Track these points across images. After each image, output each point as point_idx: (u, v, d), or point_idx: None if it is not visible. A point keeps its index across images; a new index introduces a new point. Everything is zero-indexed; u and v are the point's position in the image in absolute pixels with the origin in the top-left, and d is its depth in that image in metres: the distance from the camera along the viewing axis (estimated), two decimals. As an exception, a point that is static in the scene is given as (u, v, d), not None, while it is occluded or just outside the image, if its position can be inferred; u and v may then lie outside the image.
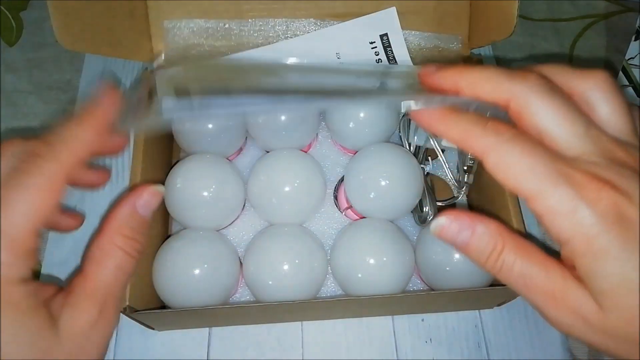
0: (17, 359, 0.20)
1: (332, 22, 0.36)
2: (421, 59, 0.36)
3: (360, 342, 0.34)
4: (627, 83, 0.41)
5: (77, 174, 0.22)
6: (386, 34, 0.34)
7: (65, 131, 0.22)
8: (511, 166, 0.20)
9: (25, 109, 0.44)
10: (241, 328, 0.35)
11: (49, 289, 0.22)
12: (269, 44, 0.36)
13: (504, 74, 0.21)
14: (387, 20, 0.34)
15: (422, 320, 0.35)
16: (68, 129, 0.22)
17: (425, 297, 0.32)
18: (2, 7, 0.48)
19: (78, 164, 0.22)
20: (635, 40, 0.39)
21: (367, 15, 0.34)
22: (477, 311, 0.35)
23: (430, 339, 0.34)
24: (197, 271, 0.30)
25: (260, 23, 0.36)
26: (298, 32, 0.36)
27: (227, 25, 0.36)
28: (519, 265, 0.21)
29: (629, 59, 0.40)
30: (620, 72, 0.41)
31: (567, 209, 0.19)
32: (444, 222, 0.22)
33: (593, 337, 0.20)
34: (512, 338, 0.35)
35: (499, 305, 0.35)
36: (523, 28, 0.48)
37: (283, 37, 0.36)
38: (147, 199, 0.24)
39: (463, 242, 0.22)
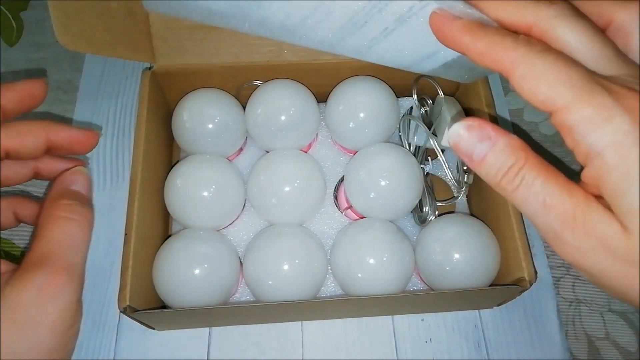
0: None
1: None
2: None
3: (360, 342, 0.34)
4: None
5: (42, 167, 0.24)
6: None
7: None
8: (544, 75, 0.19)
9: (26, 109, 0.44)
10: (241, 328, 0.35)
11: (3, 265, 0.22)
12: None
13: None
14: None
15: (422, 320, 0.35)
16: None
17: (425, 297, 0.32)
18: (2, 7, 0.48)
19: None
20: (635, 40, 0.39)
21: None
22: (476, 311, 0.35)
23: (430, 339, 0.34)
24: (197, 271, 0.30)
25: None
26: None
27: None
28: (539, 183, 0.19)
29: (628, 59, 0.40)
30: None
31: (604, 116, 0.18)
32: (462, 132, 0.20)
33: (612, 266, 0.19)
34: (511, 338, 0.35)
35: (498, 305, 0.35)
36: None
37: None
38: (72, 178, 0.24)
39: (480, 153, 0.20)
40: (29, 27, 0.48)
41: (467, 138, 0.20)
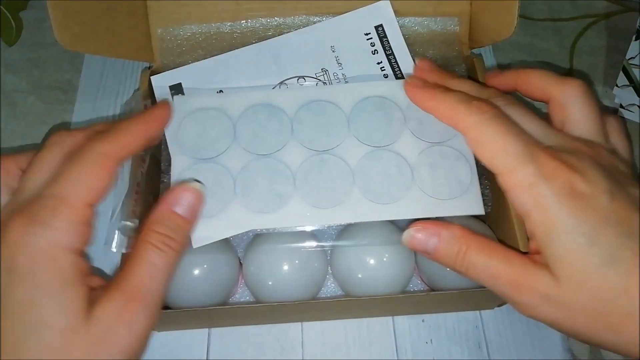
0: (44, 323, 0.19)
1: (326, 17, 0.36)
2: (420, 44, 0.36)
3: (361, 342, 0.34)
4: (628, 83, 0.41)
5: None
6: (381, 25, 0.34)
7: (121, 125, 0.24)
8: (487, 144, 0.23)
9: (25, 109, 0.44)
10: (241, 328, 0.35)
11: (96, 280, 0.22)
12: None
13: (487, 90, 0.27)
14: (381, 11, 0.34)
15: (423, 320, 0.35)
16: (124, 123, 0.25)
17: (425, 297, 0.32)
18: (1, 7, 0.48)
19: (129, 152, 0.24)
20: (635, 40, 0.39)
21: (359, 9, 0.34)
22: (477, 312, 0.35)
23: (431, 340, 0.34)
24: (196, 271, 0.30)
25: (253, 22, 0.36)
26: (293, 29, 0.36)
27: (220, 29, 0.36)
28: (483, 260, 0.23)
29: (629, 59, 0.40)
30: (621, 72, 0.41)
31: (528, 183, 0.21)
32: (413, 233, 0.25)
33: (555, 314, 0.21)
34: (512, 338, 0.35)
35: (499, 305, 0.35)
36: (523, 28, 0.48)
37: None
38: (178, 196, 0.24)
39: (433, 248, 0.24)
40: (28, 27, 0.48)
41: (419, 238, 0.25)
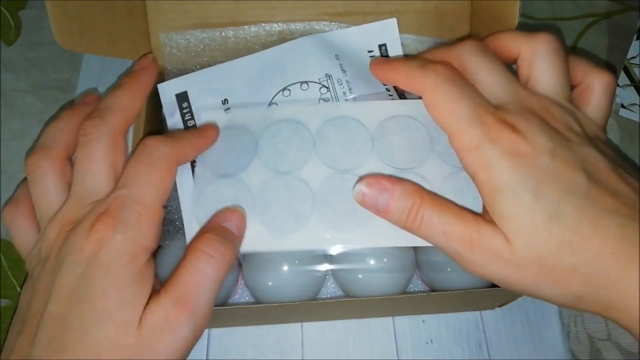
0: (108, 314, 0.20)
1: (330, 23, 0.36)
2: None
3: (361, 343, 0.34)
4: (629, 82, 0.41)
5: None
6: (384, 44, 0.33)
7: (182, 134, 0.27)
8: (439, 106, 0.23)
9: (23, 109, 0.44)
10: (241, 329, 0.35)
11: (156, 281, 0.23)
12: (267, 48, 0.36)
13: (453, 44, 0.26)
14: (387, 30, 0.34)
15: (423, 321, 0.35)
16: (186, 134, 0.27)
17: (426, 298, 0.32)
18: (0, 6, 0.48)
19: (186, 161, 0.26)
20: (637, 39, 0.39)
21: (366, 25, 0.34)
22: (478, 312, 0.35)
23: (432, 340, 0.34)
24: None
25: (256, 29, 0.36)
26: (296, 36, 0.36)
27: (223, 34, 0.36)
28: (436, 216, 0.23)
29: (630, 58, 0.40)
30: (622, 72, 0.41)
31: (474, 145, 0.22)
32: (364, 189, 0.24)
33: (506, 272, 0.21)
34: (513, 339, 0.34)
35: (500, 306, 0.35)
36: (524, 27, 0.47)
37: (280, 43, 0.36)
38: (227, 215, 0.25)
39: (384, 204, 0.23)
40: (27, 26, 0.48)
41: (369, 194, 0.24)
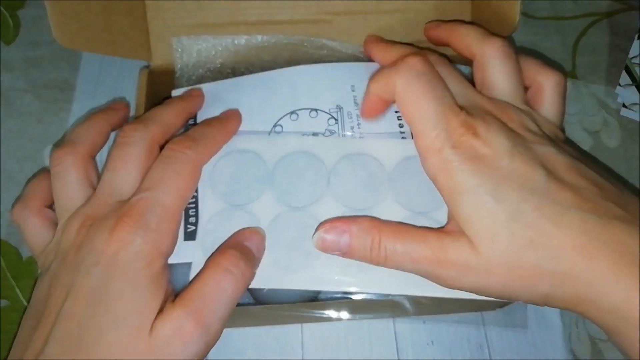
0: (123, 317, 0.20)
1: (343, 43, 0.36)
2: None
3: (361, 344, 0.34)
4: (630, 82, 0.41)
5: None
6: None
7: (205, 133, 0.26)
8: (408, 104, 0.23)
9: (22, 108, 0.43)
10: (241, 329, 0.34)
11: (170, 288, 0.23)
12: (276, 60, 0.36)
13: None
14: None
15: (424, 322, 0.35)
16: (208, 131, 0.27)
17: (427, 299, 0.31)
18: (-1, 5, 0.48)
19: (207, 162, 0.26)
20: (638, 38, 0.39)
21: None
22: (479, 313, 0.35)
23: (432, 341, 0.34)
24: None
25: (268, 38, 0.36)
26: (307, 50, 0.36)
27: (236, 42, 0.36)
28: (399, 245, 0.22)
29: (632, 58, 0.40)
30: (624, 71, 0.41)
31: (437, 148, 0.22)
32: (323, 235, 0.24)
33: (478, 280, 0.21)
34: (514, 340, 0.34)
35: (501, 307, 0.34)
36: (525, 26, 0.47)
37: (290, 55, 0.36)
38: (248, 234, 0.25)
39: (345, 245, 0.23)
40: (25, 25, 0.47)
41: (329, 239, 0.24)
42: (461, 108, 0.23)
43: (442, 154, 0.22)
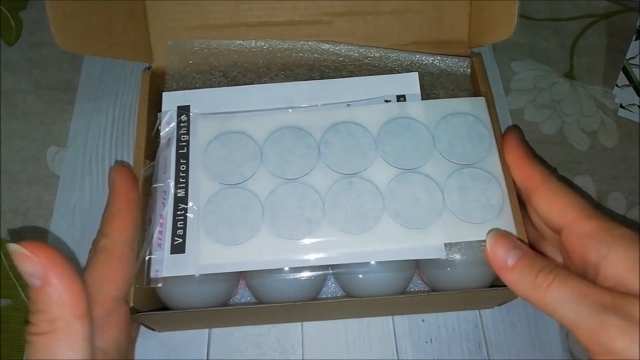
0: None
1: (339, 44, 0.36)
2: (429, 82, 0.35)
3: (361, 342, 0.34)
4: (628, 83, 0.41)
5: None
6: (404, 96, 0.33)
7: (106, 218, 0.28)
8: (559, 199, 0.25)
9: (25, 109, 0.44)
10: (241, 328, 0.35)
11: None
12: (270, 65, 0.36)
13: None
14: (408, 83, 0.33)
15: (423, 320, 0.35)
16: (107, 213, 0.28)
17: (425, 297, 0.32)
18: (1, 7, 0.48)
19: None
20: (635, 40, 0.39)
21: (386, 76, 0.33)
22: (477, 311, 0.35)
23: (431, 339, 0.34)
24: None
25: (261, 43, 0.36)
26: (301, 54, 0.36)
27: (230, 47, 0.36)
28: (573, 276, 0.22)
29: (629, 59, 0.40)
30: (621, 72, 0.41)
31: (599, 229, 0.23)
32: (495, 241, 0.26)
33: None
34: (512, 338, 0.35)
35: (499, 305, 0.35)
36: (523, 28, 0.48)
37: (286, 60, 0.36)
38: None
39: (515, 257, 0.24)
40: (28, 27, 0.48)
41: (501, 246, 0.25)
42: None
43: (608, 231, 0.23)
